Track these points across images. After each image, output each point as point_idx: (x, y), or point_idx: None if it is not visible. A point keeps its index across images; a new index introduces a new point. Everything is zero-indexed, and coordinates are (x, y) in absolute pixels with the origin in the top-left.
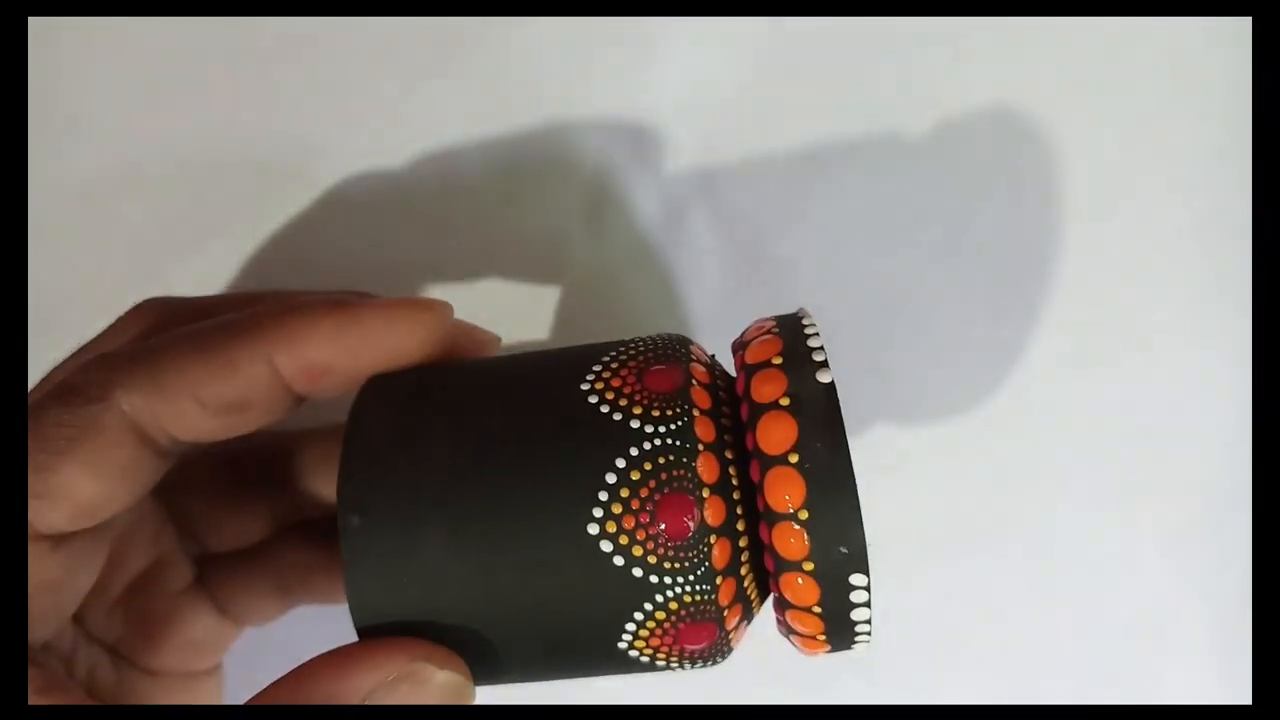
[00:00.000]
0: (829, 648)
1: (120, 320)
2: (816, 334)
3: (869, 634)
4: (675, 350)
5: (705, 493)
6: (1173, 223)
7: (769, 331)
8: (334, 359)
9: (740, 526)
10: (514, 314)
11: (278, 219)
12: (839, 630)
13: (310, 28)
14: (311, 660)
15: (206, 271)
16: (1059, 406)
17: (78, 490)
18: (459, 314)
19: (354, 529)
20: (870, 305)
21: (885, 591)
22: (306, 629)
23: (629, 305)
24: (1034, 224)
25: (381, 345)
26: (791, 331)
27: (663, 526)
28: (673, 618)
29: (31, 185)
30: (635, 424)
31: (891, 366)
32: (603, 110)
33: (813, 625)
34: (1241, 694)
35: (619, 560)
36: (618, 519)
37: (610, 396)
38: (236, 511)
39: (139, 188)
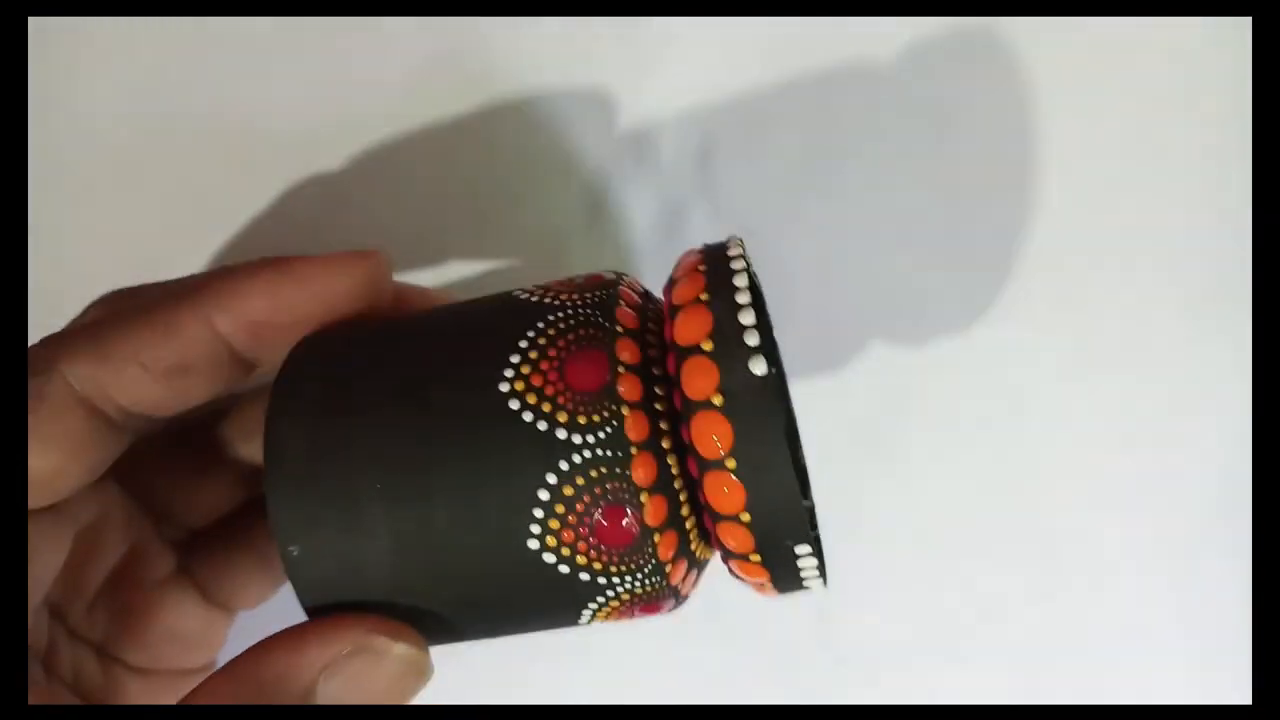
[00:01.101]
0: (776, 593)
1: (82, 314)
2: (749, 305)
3: (819, 573)
4: (599, 322)
5: (643, 497)
6: (1173, 223)
7: (697, 299)
8: (271, 313)
9: (678, 485)
10: None
11: (277, 219)
12: (783, 571)
13: (310, 27)
14: (267, 638)
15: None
16: (1059, 407)
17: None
18: None
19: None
20: (870, 305)
21: (885, 591)
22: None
23: None
24: (1034, 224)
25: (316, 296)
26: (722, 302)
27: (604, 541)
28: (626, 604)
29: (31, 185)
30: (562, 434)
31: (892, 366)
32: (603, 110)
33: (758, 573)
34: (1241, 694)
35: (564, 569)
36: (557, 534)
37: (533, 400)
38: (204, 481)
39: (138, 187)
